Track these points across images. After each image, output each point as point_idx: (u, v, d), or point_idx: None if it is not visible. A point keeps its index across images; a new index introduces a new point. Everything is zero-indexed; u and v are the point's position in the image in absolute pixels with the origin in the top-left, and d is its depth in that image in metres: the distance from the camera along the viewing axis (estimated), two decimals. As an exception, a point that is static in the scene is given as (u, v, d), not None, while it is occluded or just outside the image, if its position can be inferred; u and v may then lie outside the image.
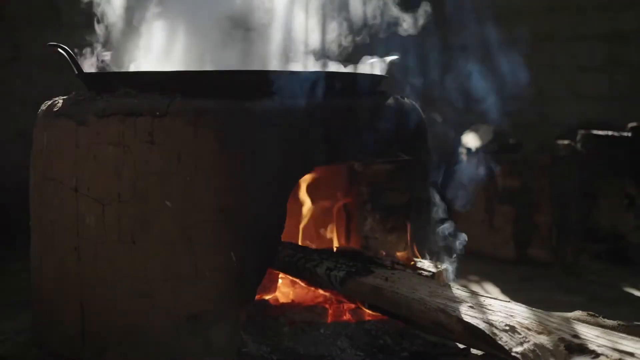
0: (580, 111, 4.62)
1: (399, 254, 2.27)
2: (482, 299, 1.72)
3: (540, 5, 4.83)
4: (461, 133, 3.66)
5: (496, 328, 1.57)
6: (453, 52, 4.68)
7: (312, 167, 1.85)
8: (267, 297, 2.20)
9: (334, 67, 2.23)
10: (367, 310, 2.04)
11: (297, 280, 2.21)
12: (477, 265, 3.19)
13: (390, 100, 2.07)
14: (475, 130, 3.53)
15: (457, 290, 1.79)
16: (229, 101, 1.75)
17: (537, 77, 4.91)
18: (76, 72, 1.99)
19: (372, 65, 2.35)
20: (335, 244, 2.42)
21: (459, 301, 1.70)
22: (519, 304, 1.71)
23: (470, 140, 3.48)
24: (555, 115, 4.80)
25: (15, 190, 3.20)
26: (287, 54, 2.08)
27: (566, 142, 3.30)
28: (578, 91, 4.73)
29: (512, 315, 1.61)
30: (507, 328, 1.56)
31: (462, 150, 3.49)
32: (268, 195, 1.77)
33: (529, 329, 1.55)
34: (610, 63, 4.64)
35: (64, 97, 2.03)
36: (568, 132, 3.99)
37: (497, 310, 1.64)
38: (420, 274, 2.10)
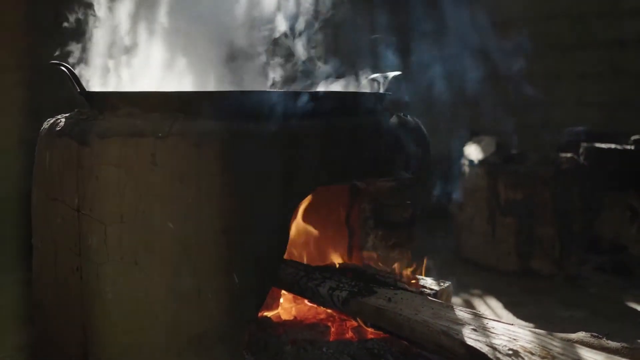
0: (582, 119, 4.62)
1: (400, 269, 2.27)
2: (485, 321, 1.71)
3: (541, 13, 4.83)
4: (462, 143, 3.65)
5: (499, 352, 1.56)
6: (454, 60, 4.68)
7: (314, 187, 1.84)
8: (269, 314, 2.20)
9: (337, 85, 2.23)
10: (370, 329, 2.03)
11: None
12: (479, 277, 3.19)
13: (393, 119, 2.06)
14: (478, 142, 3.51)
15: (460, 312, 1.78)
16: (232, 122, 1.74)
17: (540, 85, 4.93)
18: (78, 90, 1.99)
19: (375, 81, 2.35)
20: (338, 260, 2.41)
21: (462, 323, 1.70)
22: (522, 326, 1.70)
23: (473, 151, 3.46)
24: (558, 122, 4.80)
25: (16, 198, 3.21)
26: (290, 72, 2.07)
27: (569, 155, 3.29)
28: (580, 99, 4.73)
29: (515, 339, 1.60)
30: (511, 352, 1.55)
31: (465, 162, 3.48)
32: (271, 216, 1.77)
33: (532, 354, 1.54)
34: (612, 71, 4.64)
35: (67, 114, 2.03)
36: (570, 142, 3.99)
37: (500, 333, 1.64)
38: (423, 292, 2.11)
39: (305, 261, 2.40)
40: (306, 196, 1.84)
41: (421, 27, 4.74)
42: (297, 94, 1.86)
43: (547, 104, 4.90)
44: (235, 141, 1.72)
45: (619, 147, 3.33)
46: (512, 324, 1.70)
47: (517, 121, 4.90)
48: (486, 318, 1.74)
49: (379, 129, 1.96)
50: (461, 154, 3.59)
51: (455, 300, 2.73)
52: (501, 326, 1.68)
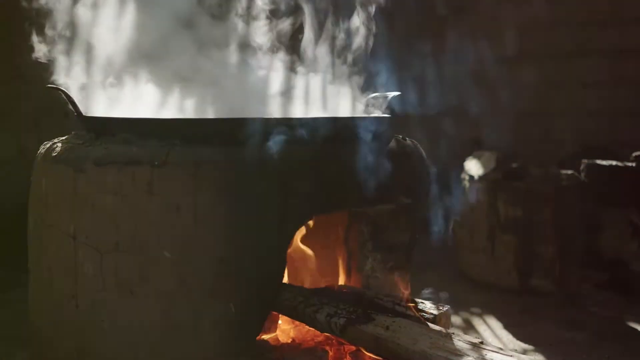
0: (583, 128, 4.60)
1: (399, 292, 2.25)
2: (484, 352, 1.69)
3: (542, 21, 4.81)
4: (462, 157, 3.63)
5: (498, 386, 1.54)
6: (453, 69, 4.67)
7: (312, 215, 1.83)
8: (267, 337, 2.18)
9: (333, 109, 2.21)
10: (368, 354, 2.02)
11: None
12: (479, 295, 3.16)
13: (392, 143, 2.05)
14: (478, 157, 3.49)
15: (459, 342, 1.76)
16: (229, 149, 1.73)
17: (540, 94, 4.91)
18: (75, 114, 1.97)
19: (373, 100, 2.33)
20: (337, 281, 2.40)
21: (461, 354, 1.68)
22: (521, 356, 1.68)
23: (473, 167, 3.44)
24: (558, 131, 4.79)
25: (15, 210, 3.19)
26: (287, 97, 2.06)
27: (570, 171, 3.27)
28: (581, 108, 4.71)
29: (514, 372, 1.59)
30: (510, 386, 1.53)
31: (465, 177, 3.46)
32: (268, 245, 1.75)
33: (531, 388, 1.52)
34: (613, 79, 4.62)
35: (63, 138, 2.02)
36: (571, 155, 3.97)
37: (499, 365, 1.62)
38: (422, 317, 2.09)
39: (304, 282, 2.39)
40: (303, 224, 1.83)
41: (419, 38, 4.73)
42: (293, 121, 1.84)
43: (548, 114, 4.88)
44: (231, 169, 1.71)
45: (620, 164, 3.31)
46: (512, 355, 1.68)
47: (518, 132, 4.90)
48: (485, 349, 1.72)
49: (378, 154, 1.94)
50: (461, 169, 3.57)
51: (455, 319, 2.71)
52: (500, 357, 1.66)
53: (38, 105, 4.03)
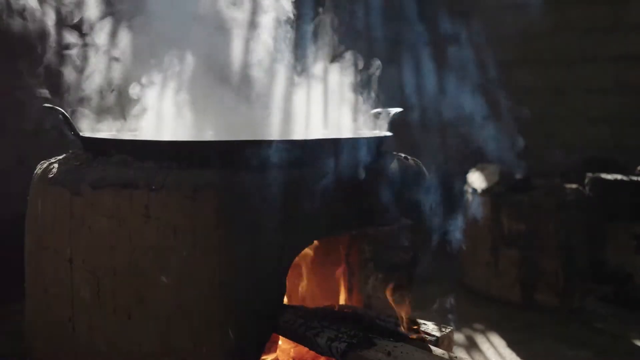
0: (587, 135, 4.57)
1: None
2: (487, 380, 1.66)
3: (545, 27, 4.79)
4: (464, 170, 3.59)
5: (502, 417, 1.51)
6: (453, 77, 4.63)
7: (312, 240, 1.80)
8: (267, 359, 2.15)
9: (335, 128, 2.18)
10: (370, 377, 1.98)
11: (298, 342, 2.15)
12: (482, 309, 3.13)
13: (394, 164, 2.02)
14: (481, 170, 3.46)
15: (462, 369, 1.73)
16: (228, 172, 1.70)
17: (544, 100, 4.87)
18: (72, 134, 1.95)
19: (375, 116, 2.30)
20: (338, 300, 2.37)
21: (464, 382, 1.65)
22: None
23: (476, 180, 3.41)
24: (562, 139, 4.76)
25: (14, 222, 3.16)
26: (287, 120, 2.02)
27: (574, 185, 3.23)
28: (586, 115, 4.68)
29: (518, 402, 1.55)
30: (514, 418, 1.50)
31: (468, 190, 3.42)
32: (268, 269, 1.72)
33: (536, 419, 1.49)
34: (618, 86, 4.59)
35: (60, 157, 2.00)
36: (574, 166, 3.93)
37: (503, 395, 1.59)
38: (425, 339, 2.06)
39: (304, 301, 2.36)
40: (304, 248, 1.80)
41: (418, 41, 4.70)
42: (293, 142, 1.82)
43: (552, 121, 4.85)
44: (230, 193, 1.68)
45: (625, 178, 3.27)
46: (515, 384, 1.65)
47: (521, 139, 4.86)
48: (489, 376, 1.68)
49: (379, 175, 1.91)
50: (464, 181, 3.54)
51: (458, 336, 2.68)
52: (504, 386, 1.63)
53: (36, 114, 3.99)
